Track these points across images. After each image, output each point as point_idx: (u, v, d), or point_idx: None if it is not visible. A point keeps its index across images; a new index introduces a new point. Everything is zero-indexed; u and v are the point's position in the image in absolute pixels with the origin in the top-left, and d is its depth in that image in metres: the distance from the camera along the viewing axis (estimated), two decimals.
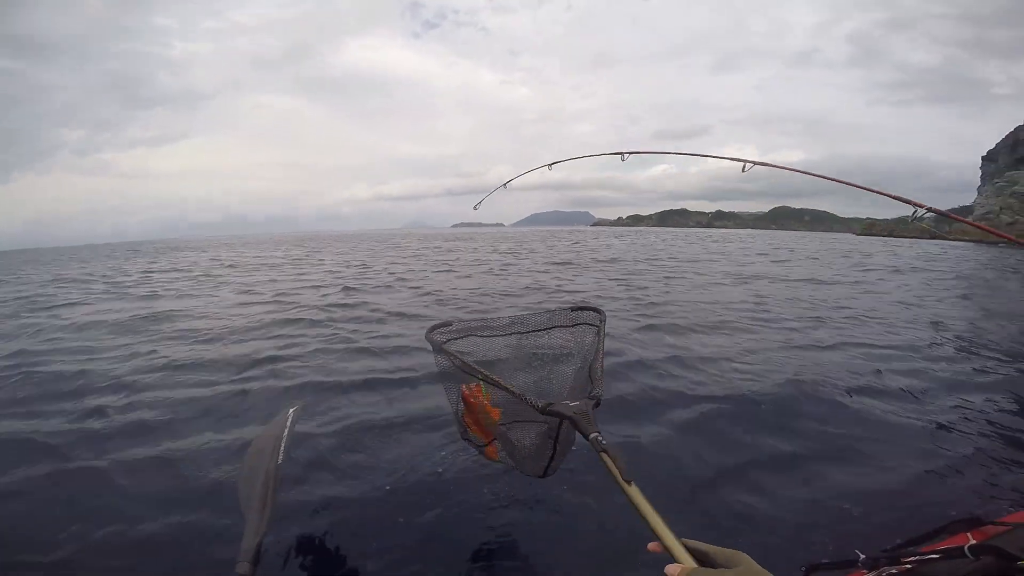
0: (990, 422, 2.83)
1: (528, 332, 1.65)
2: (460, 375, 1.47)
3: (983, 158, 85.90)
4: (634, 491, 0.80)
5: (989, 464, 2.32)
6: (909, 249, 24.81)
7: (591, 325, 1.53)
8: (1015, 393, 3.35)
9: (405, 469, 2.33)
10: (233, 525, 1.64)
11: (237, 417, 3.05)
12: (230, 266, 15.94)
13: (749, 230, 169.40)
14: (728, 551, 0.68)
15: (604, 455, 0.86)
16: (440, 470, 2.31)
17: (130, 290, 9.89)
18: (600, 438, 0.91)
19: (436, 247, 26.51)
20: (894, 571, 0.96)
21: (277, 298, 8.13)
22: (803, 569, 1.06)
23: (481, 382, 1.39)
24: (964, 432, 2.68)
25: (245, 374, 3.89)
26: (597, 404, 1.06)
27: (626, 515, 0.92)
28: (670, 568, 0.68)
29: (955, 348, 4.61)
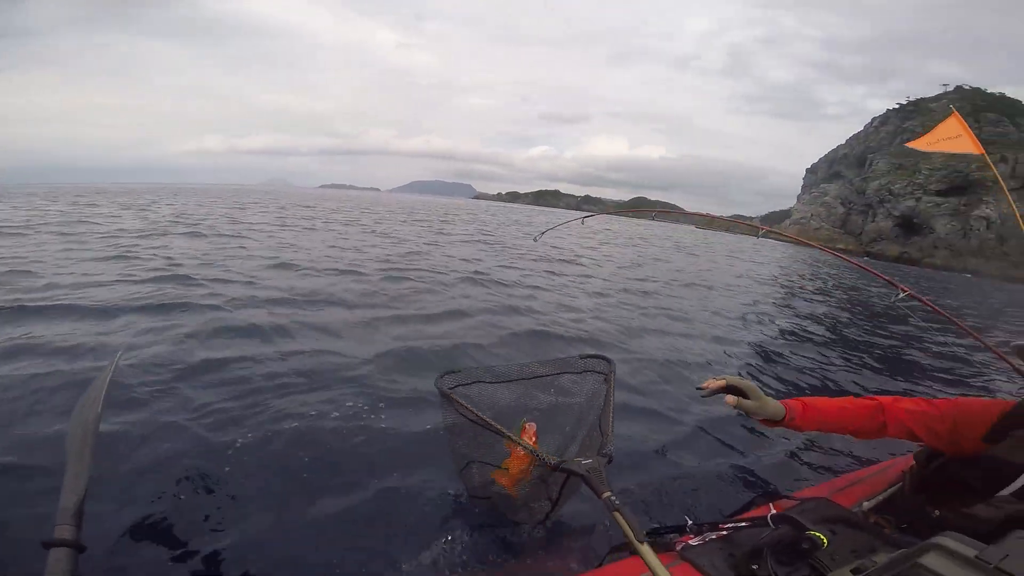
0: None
1: (536, 377, 1.73)
2: (469, 426, 1.50)
3: (807, 170, 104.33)
4: (646, 551, 0.88)
5: (789, 446, 2.75)
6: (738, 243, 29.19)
7: (599, 373, 1.62)
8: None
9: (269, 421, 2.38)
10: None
11: None
12: None
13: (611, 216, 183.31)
14: None
15: (618, 515, 0.96)
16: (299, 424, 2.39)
17: None
18: (613, 498, 1.00)
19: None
20: (714, 536, 1.14)
21: None
22: (645, 532, 1.03)
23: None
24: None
25: None
26: (609, 460, 1.18)
27: None
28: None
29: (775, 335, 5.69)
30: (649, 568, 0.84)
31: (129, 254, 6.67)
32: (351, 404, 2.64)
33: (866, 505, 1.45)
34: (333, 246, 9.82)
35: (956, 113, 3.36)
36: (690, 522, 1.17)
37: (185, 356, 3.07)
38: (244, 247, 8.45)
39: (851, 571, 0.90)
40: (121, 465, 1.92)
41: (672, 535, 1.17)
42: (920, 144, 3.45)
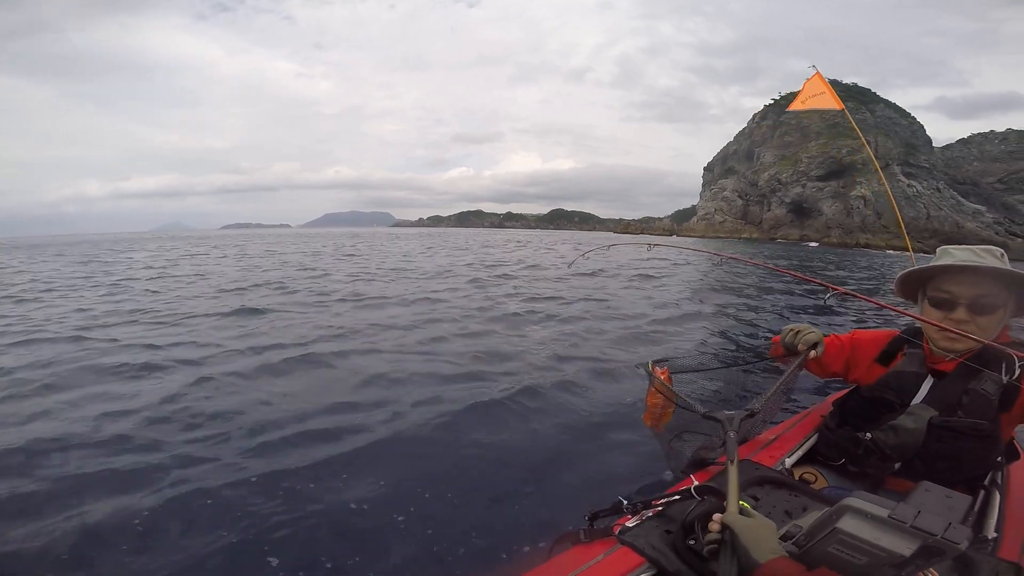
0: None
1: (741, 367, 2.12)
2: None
3: (704, 168, 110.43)
4: (733, 470, 1.04)
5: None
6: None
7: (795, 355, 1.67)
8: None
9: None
10: None
11: None
12: None
13: (535, 230, 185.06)
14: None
15: (732, 434, 1.19)
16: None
17: None
18: (732, 432, 1.21)
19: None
20: (649, 512, 1.17)
21: None
22: (586, 516, 1.19)
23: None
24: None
25: None
26: (751, 415, 1.33)
27: None
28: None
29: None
30: (728, 486, 1.01)
31: None
32: None
33: (788, 462, 1.48)
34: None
35: (818, 72, 3.82)
36: (625, 502, 1.20)
37: None
38: None
39: (780, 537, 0.89)
40: None
41: (610, 517, 1.19)
42: (795, 105, 3.98)
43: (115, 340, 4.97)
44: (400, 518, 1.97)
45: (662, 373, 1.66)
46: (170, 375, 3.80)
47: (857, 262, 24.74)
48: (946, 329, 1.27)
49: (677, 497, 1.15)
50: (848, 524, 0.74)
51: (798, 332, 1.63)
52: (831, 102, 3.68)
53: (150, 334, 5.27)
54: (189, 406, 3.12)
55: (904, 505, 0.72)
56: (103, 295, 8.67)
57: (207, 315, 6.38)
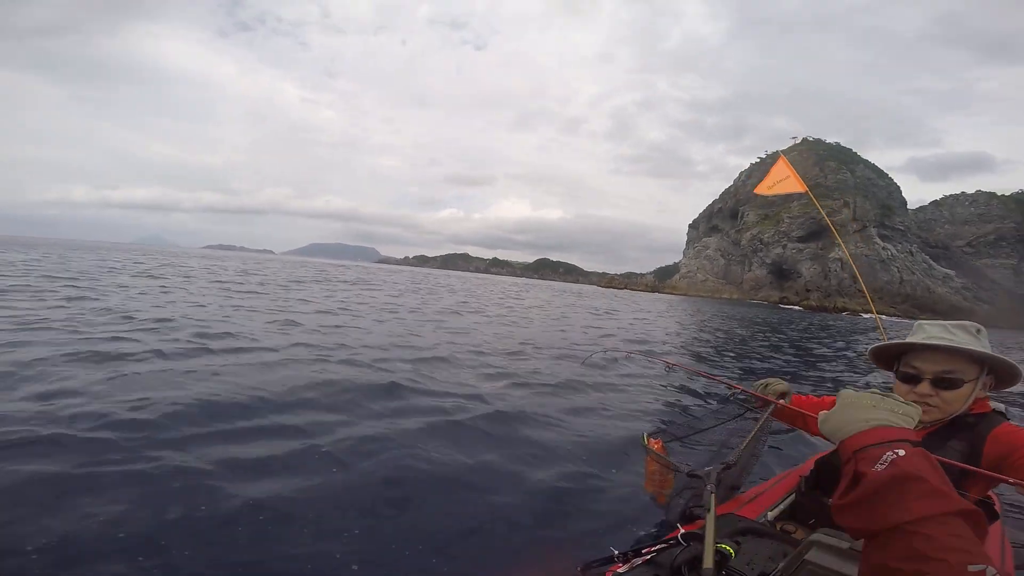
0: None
1: (720, 425, 2.09)
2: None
3: (689, 225, 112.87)
4: (710, 518, 1.10)
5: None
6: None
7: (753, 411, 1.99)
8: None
9: None
10: None
11: None
12: None
13: (519, 278, 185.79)
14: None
15: (709, 487, 1.26)
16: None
17: None
18: (710, 485, 1.27)
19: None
20: (639, 561, 1.20)
21: None
22: (579, 568, 1.23)
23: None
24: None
25: None
26: (727, 467, 1.49)
27: None
28: None
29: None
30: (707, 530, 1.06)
31: None
32: None
33: (770, 515, 1.54)
34: None
35: (783, 158, 4.02)
36: (616, 552, 1.24)
37: None
38: None
39: (759, 575, 1.01)
40: None
41: (603, 567, 1.22)
42: (762, 189, 4.07)
43: None
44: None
45: (656, 443, 1.96)
46: None
47: (835, 328, 24.35)
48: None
49: (664, 545, 1.21)
50: (815, 556, 0.90)
51: (768, 384, 1.90)
52: (795, 186, 3.85)
53: None
54: None
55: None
56: None
57: None
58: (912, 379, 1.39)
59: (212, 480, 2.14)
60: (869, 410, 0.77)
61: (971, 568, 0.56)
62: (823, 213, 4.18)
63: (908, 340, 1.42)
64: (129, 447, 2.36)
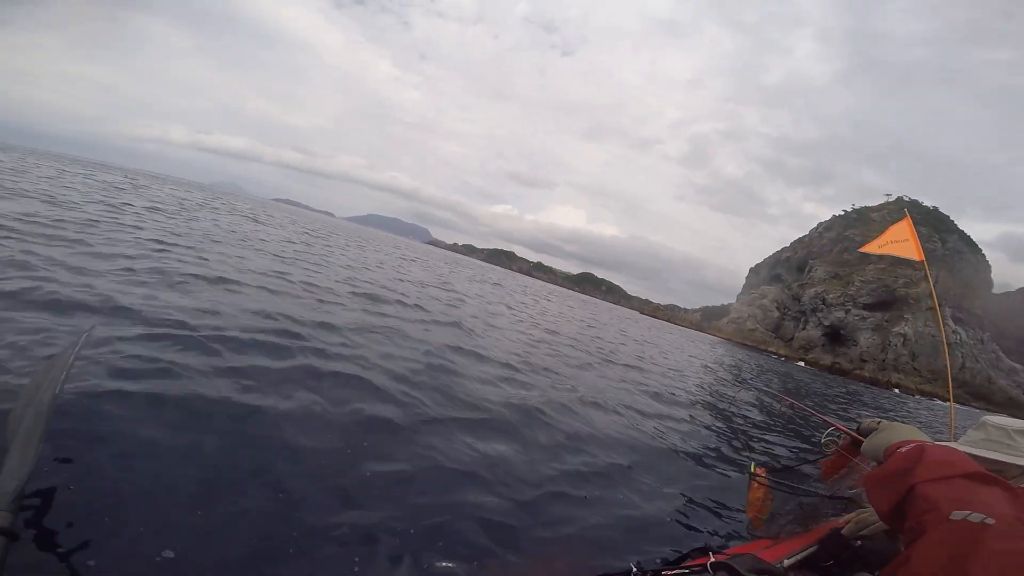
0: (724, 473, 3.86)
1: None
2: None
3: (751, 269, 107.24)
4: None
5: (720, 500, 3.24)
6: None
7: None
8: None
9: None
10: None
11: None
12: None
13: (560, 288, 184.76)
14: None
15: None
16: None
17: None
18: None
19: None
20: None
21: None
22: None
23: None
24: (709, 473, 3.79)
25: None
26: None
27: None
28: None
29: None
30: None
31: None
32: None
33: (787, 563, 1.69)
34: None
35: (908, 218, 3.66)
36: (635, 568, 1.21)
37: None
38: None
39: None
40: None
41: None
42: (872, 248, 3.77)
43: None
44: None
45: (761, 471, 2.38)
46: None
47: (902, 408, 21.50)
48: None
49: (687, 571, 1.22)
50: None
51: (860, 520, 1.77)
52: (912, 252, 3.43)
53: None
54: None
55: None
56: None
57: None
58: None
59: None
60: (915, 432, 0.96)
61: (953, 515, 0.66)
62: (931, 286, 3.95)
63: (999, 458, 1.36)
64: None
